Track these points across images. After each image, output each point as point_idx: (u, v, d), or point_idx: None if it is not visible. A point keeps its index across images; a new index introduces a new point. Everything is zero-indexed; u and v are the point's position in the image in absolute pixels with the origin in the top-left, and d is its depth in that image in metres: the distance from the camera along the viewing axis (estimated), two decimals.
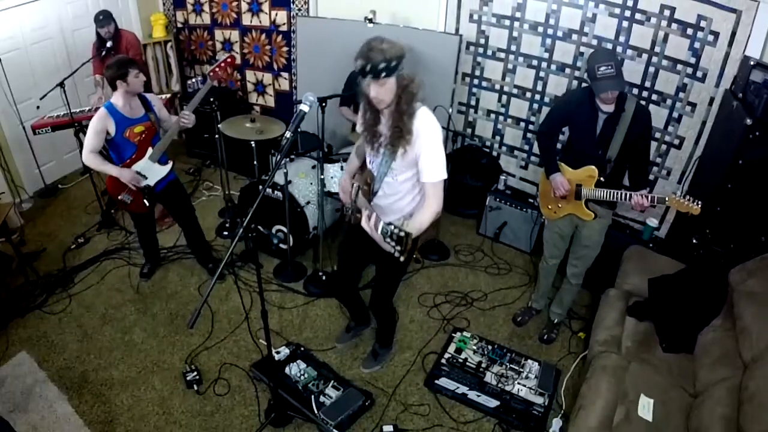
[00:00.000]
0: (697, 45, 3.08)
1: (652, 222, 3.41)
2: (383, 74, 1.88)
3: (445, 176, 2.07)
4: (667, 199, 2.43)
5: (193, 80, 4.97)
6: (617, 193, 2.50)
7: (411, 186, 2.18)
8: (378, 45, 1.87)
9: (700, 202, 2.36)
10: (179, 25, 5.16)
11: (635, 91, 3.42)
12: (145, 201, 3.01)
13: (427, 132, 2.02)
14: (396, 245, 1.80)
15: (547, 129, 2.73)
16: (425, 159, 2.03)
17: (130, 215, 3.29)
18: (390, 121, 2.04)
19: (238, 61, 4.95)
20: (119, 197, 2.99)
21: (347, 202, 2.43)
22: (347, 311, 3.04)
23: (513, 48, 3.76)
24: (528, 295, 3.42)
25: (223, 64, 3.13)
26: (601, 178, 2.54)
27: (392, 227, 1.81)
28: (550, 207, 2.81)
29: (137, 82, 2.76)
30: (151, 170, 2.97)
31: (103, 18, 3.78)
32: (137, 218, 3.24)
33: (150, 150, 2.92)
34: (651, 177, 3.60)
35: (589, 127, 2.49)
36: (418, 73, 2.02)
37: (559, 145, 2.91)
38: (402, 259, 1.81)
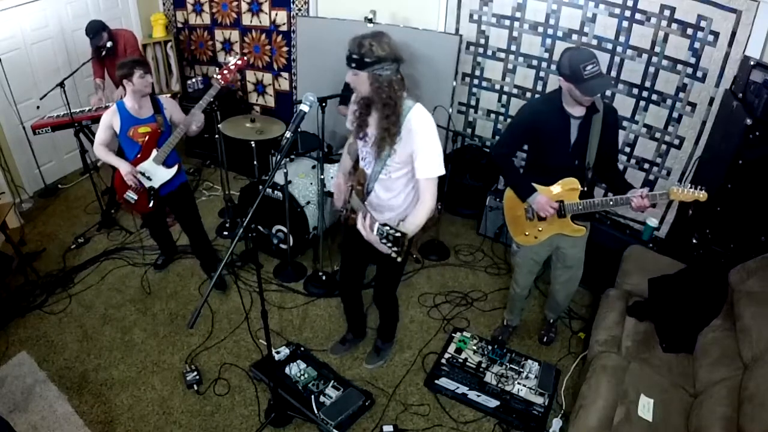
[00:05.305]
0: (697, 45, 3.08)
1: (652, 222, 3.41)
2: (352, 65, 1.93)
3: (443, 172, 2.03)
4: (670, 193, 2.20)
5: (193, 80, 4.97)
6: (610, 200, 2.29)
7: (405, 182, 2.16)
8: (365, 40, 1.89)
9: (704, 188, 2.14)
10: (179, 25, 5.16)
11: (635, 91, 3.43)
12: (150, 203, 3.00)
13: (422, 128, 1.99)
14: (392, 246, 1.78)
15: (508, 150, 2.47)
16: (421, 155, 2.00)
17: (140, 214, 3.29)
18: (377, 120, 2.03)
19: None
20: (124, 196, 2.99)
21: (340, 203, 2.39)
22: (346, 319, 2.99)
23: (513, 48, 3.76)
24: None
25: (233, 67, 3.01)
26: (584, 189, 2.37)
27: (387, 228, 1.79)
28: (527, 233, 2.57)
29: (142, 83, 2.78)
30: (156, 172, 2.95)
31: (94, 34, 3.65)
32: (145, 217, 3.26)
33: (155, 152, 2.91)
34: (651, 177, 3.60)
35: (563, 136, 2.29)
36: (413, 73, 2.00)
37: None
38: (399, 260, 1.80)
